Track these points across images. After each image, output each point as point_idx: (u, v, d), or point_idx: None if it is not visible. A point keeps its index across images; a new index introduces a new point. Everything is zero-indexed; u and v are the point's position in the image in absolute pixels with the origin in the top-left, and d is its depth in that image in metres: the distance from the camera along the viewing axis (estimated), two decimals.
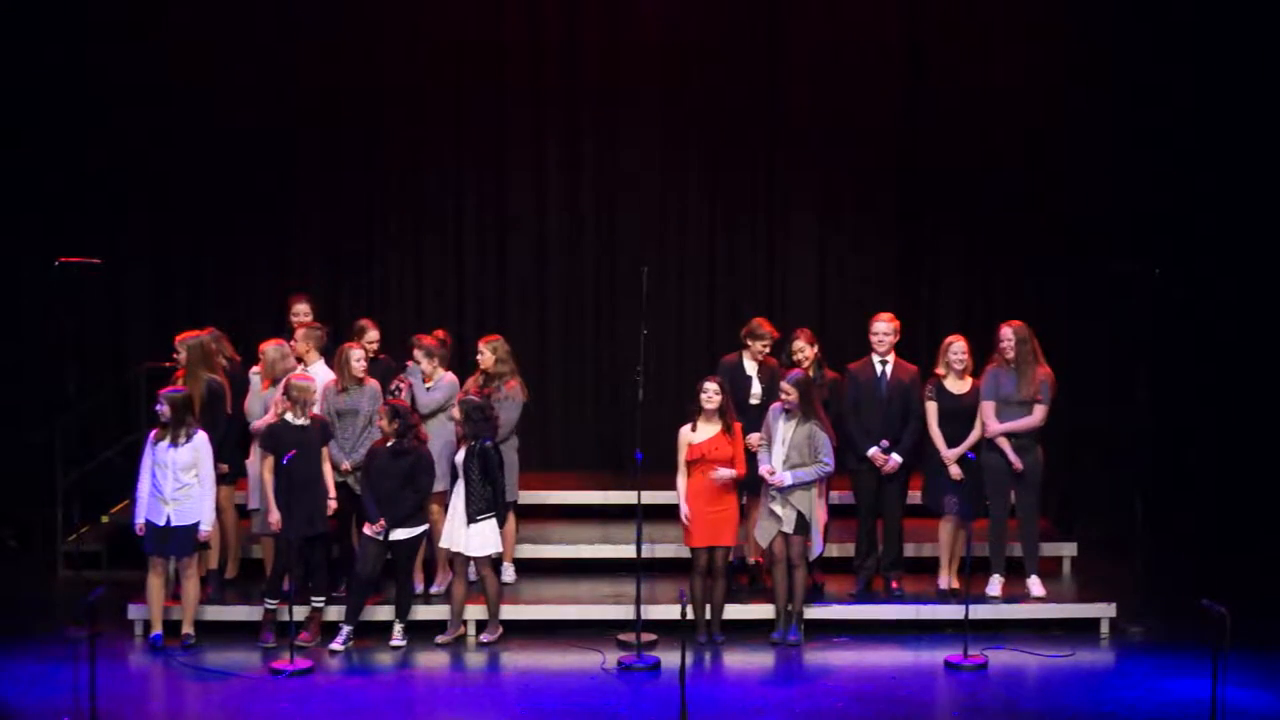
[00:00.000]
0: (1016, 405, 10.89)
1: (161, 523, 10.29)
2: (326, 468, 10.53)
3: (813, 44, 13.69)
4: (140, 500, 10.35)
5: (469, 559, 10.54)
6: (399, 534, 10.43)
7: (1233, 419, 13.51)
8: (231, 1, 13.48)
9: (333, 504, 10.51)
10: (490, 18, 13.67)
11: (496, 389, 11.06)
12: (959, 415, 10.93)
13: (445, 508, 10.69)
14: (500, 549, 10.68)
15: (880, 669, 10.24)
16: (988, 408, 10.91)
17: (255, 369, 11.13)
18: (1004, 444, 10.89)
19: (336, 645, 10.41)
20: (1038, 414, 10.90)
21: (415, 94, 13.69)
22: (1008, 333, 10.94)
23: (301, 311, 11.54)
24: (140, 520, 10.34)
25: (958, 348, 10.99)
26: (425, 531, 10.64)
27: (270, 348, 11.04)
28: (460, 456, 10.50)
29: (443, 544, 10.69)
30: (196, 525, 10.35)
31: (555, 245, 13.89)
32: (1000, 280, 13.70)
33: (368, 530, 10.44)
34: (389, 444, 10.41)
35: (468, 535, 10.45)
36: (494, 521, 10.49)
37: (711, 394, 10.44)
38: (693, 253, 13.92)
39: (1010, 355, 10.90)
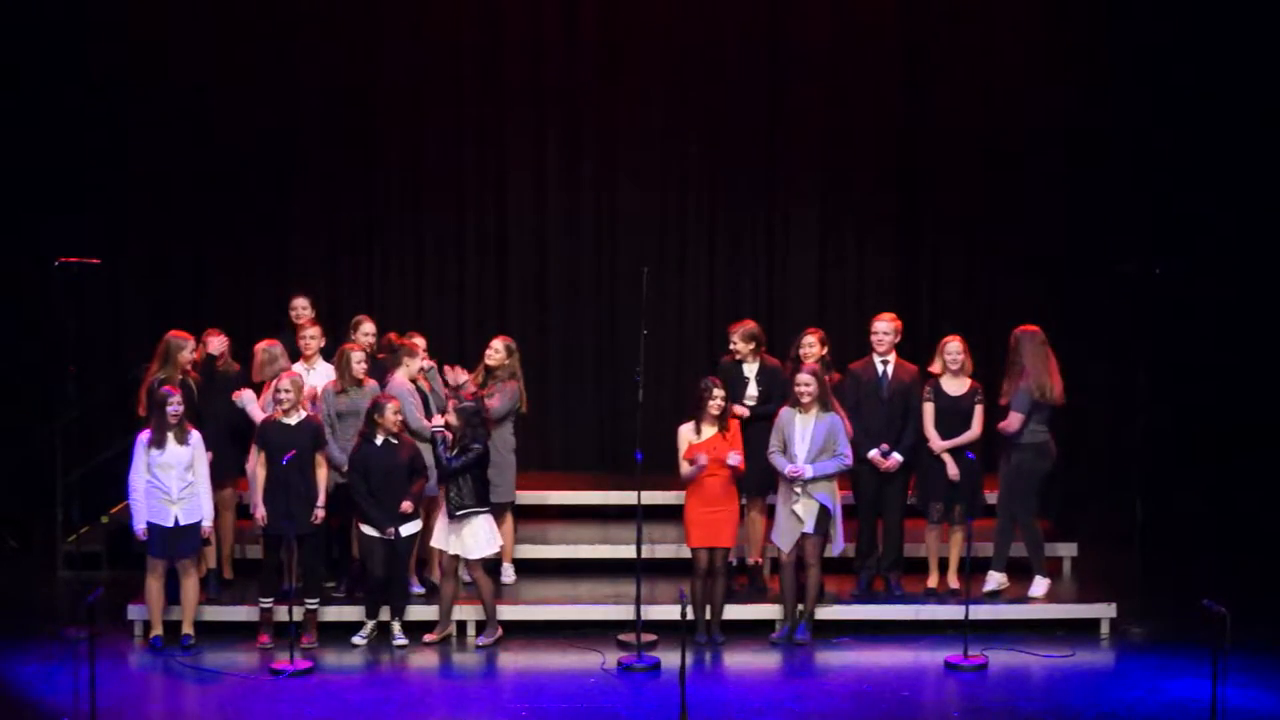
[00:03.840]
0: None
1: (169, 524, 10.26)
2: (320, 473, 10.50)
3: (813, 44, 13.68)
4: (138, 504, 10.31)
5: (458, 559, 10.53)
6: (402, 530, 10.43)
7: (1233, 419, 13.50)
8: (232, 1, 13.47)
9: (320, 513, 10.43)
10: (490, 17, 13.67)
11: (496, 386, 11.04)
12: (955, 415, 10.93)
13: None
14: (495, 551, 10.67)
15: (880, 669, 10.24)
16: (1014, 419, 10.85)
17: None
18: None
19: (358, 639, 10.50)
20: (1010, 420, 10.82)
21: (415, 94, 13.69)
22: (1014, 338, 10.95)
23: (300, 306, 11.53)
24: (141, 525, 10.31)
25: (953, 348, 10.99)
26: (420, 528, 10.64)
27: (261, 348, 11.02)
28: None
29: (434, 544, 10.66)
30: (201, 523, 10.36)
31: (555, 245, 13.89)
32: (1000, 280, 13.70)
33: (369, 530, 10.43)
34: (381, 440, 10.36)
35: (462, 536, 10.45)
36: (486, 519, 10.48)
37: (720, 400, 10.44)
38: (693, 253, 13.92)
39: (1011, 358, 10.92)
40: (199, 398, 10.81)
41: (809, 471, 10.38)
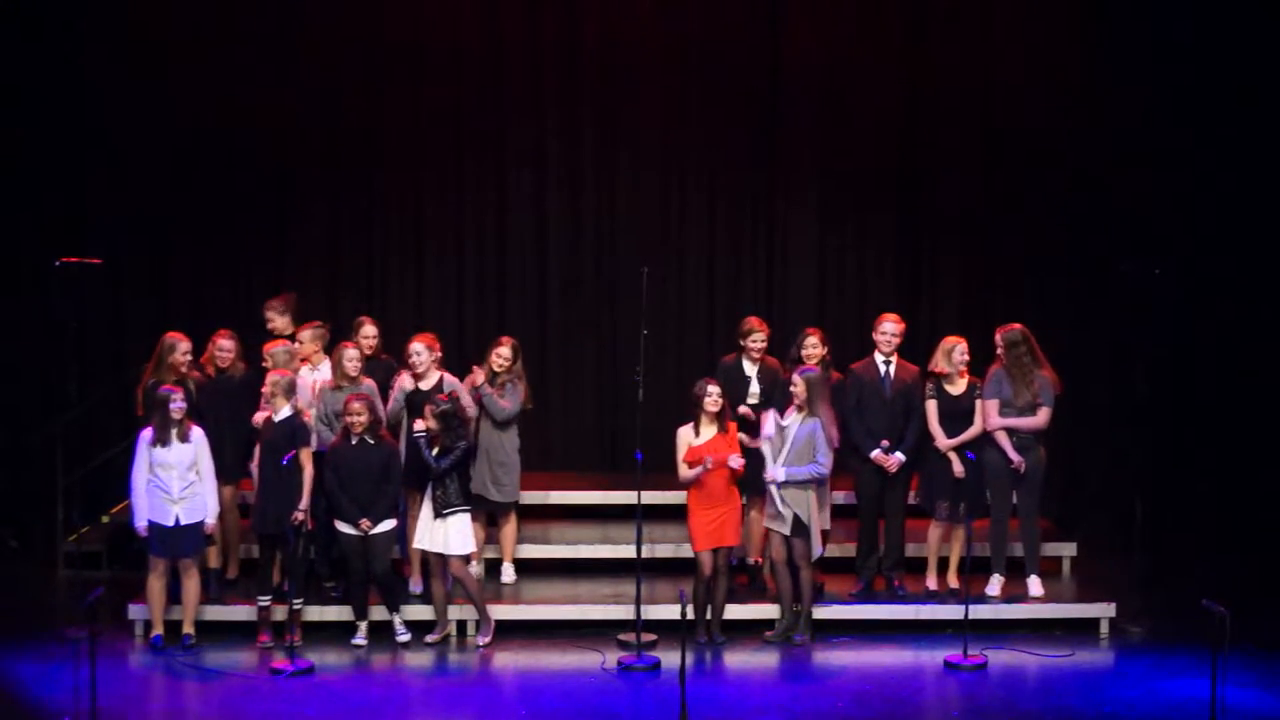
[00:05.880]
0: (1016, 409, 10.91)
1: (170, 524, 10.28)
2: (306, 472, 10.47)
3: (813, 43, 13.68)
4: (139, 502, 10.32)
5: (442, 557, 10.53)
6: (377, 528, 10.43)
7: (1233, 419, 13.50)
8: (231, 2, 13.47)
9: (298, 515, 10.35)
10: (490, 17, 13.66)
11: (501, 386, 11.06)
12: (958, 415, 10.94)
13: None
14: (473, 549, 10.67)
15: (880, 669, 10.25)
16: (990, 406, 10.92)
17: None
18: (1004, 441, 10.89)
19: (358, 640, 10.52)
20: (1041, 415, 10.91)
21: (415, 93, 13.67)
22: (998, 338, 10.98)
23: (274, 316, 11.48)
24: (142, 524, 10.32)
25: (962, 349, 11.00)
26: (398, 526, 10.63)
27: (279, 349, 11.04)
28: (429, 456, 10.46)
29: (415, 545, 10.65)
30: (203, 521, 10.37)
31: (555, 245, 13.89)
32: (1000, 280, 13.70)
33: (342, 528, 10.43)
34: (355, 439, 10.37)
35: (446, 534, 10.44)
36: (467, 517, 10.49)
37: (715, 397, 10.46)
38: (693, 253, 13.92)
39: (1004, 360, 10.92)
40: (201, 398, 10.81)
41: (781, 474, 10.40)
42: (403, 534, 10.85)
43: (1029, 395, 10.89)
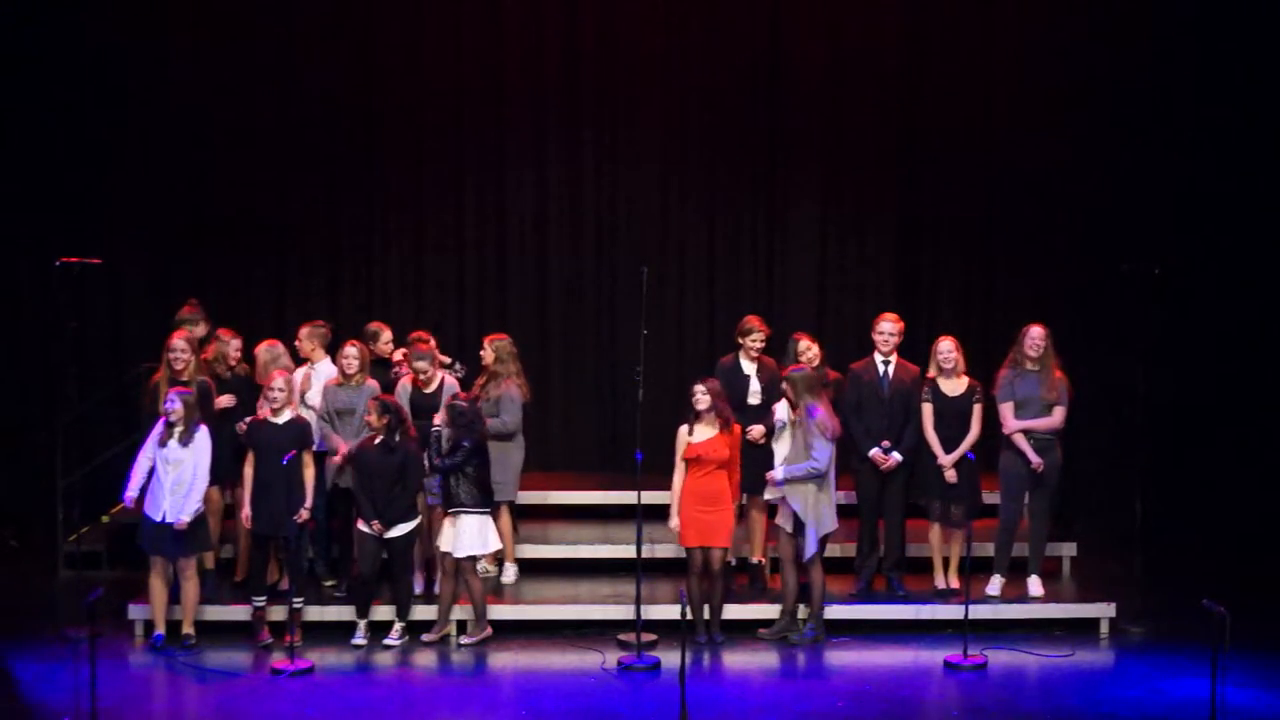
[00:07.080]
0: (1035, 408, 10.89)
1: (159, 518, 10.28)
2: (308, 473, 10.49)
3: (813, 44, 13.69)
4: (137, 474, 10.29)
5: (457, 559, 10.53)
6: (393, 531, 10.43)
7: (1233, 419, 13.51)
8: (232, 1, 13.48)
9: (304, 514, 10.39)
10: (490, 18, 13.67)
11: (496, 387, 11.09)
12: (953, 416, 10.92)
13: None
14: (483, 552, 10.67)
15: (880, 669, 10.24)
16: (1005, 409, 10.90)
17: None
18: (1022, 443, 10.87)
19: (358, 640, 10.50)
20: (1057, 415, 10.90)
21: (415, 94, 13.70)
22: (1040, 332, 10.92)
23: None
24: (132, 494, 10.29)
25: (944, 347, 10.98)
26: (419, 527, 10.62)
27: (261, 349, 11.05)
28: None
29: (437, 543, 10.66)
30: (192, 520, 10.37)
31: (555, 245, 13.89)
32: (1000, 281, 13.71)
33: (362, 527, 10.45)
34: (378, 440, 10.40)
35: (452, 532, 10.45)
36: (479, 520, 10.48)
37: (699, 395, 10.45)
38: (693, 253, 13.93)
39: (1037, 355, 10.88)
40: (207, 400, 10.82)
41: (780, 474, 10.45)
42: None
43: (1053, 395, 10.89)
